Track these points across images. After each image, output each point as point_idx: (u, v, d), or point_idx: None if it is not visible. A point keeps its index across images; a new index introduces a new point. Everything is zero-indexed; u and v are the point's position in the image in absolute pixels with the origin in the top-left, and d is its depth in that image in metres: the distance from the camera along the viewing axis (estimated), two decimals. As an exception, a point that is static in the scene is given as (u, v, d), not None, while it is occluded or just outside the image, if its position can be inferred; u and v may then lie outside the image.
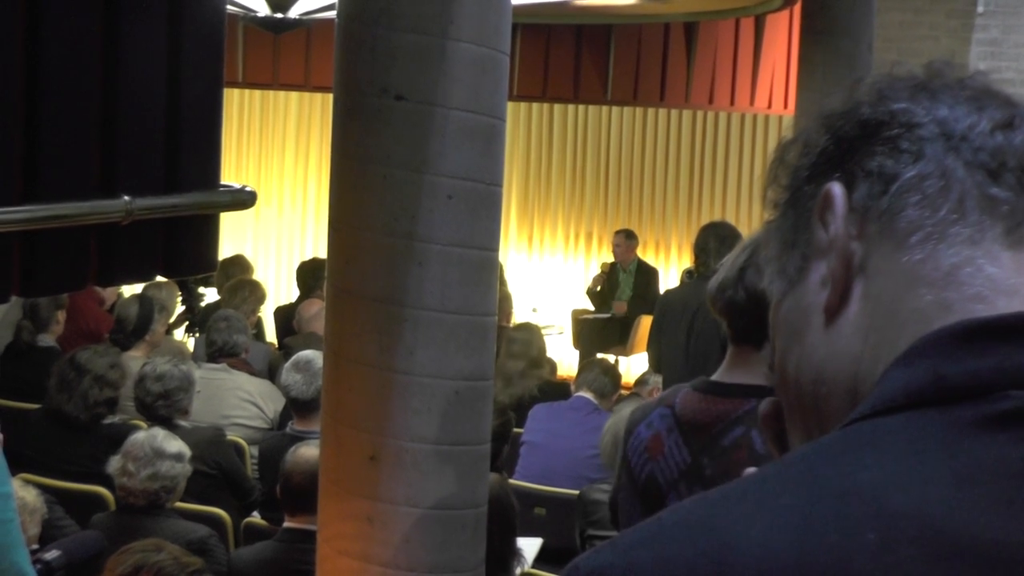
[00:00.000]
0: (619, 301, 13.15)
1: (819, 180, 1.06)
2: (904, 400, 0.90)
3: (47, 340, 8.62)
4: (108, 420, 6.70)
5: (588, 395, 7.61)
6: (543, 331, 9.52)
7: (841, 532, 0.82)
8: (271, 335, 11.10)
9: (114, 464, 5.59)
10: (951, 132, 1.02)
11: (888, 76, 1.09)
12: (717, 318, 3.34)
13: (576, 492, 6.65)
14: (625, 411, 6.38)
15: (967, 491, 0.83)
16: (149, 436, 5.70)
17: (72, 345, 8.27)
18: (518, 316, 12.02)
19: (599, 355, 8.45)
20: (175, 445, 5.67)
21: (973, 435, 0.86)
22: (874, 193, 1.02)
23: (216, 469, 6.54)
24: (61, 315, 8.72)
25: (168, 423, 6.45)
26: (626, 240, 13.30)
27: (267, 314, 11.47)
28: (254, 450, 7.18)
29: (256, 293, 9.82)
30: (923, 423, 0.88)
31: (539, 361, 8.81)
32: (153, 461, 5.52)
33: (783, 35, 11.98)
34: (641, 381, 9.29)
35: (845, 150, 1.05)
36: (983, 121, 1.02)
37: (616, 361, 12.74)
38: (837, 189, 1.03)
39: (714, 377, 3.26)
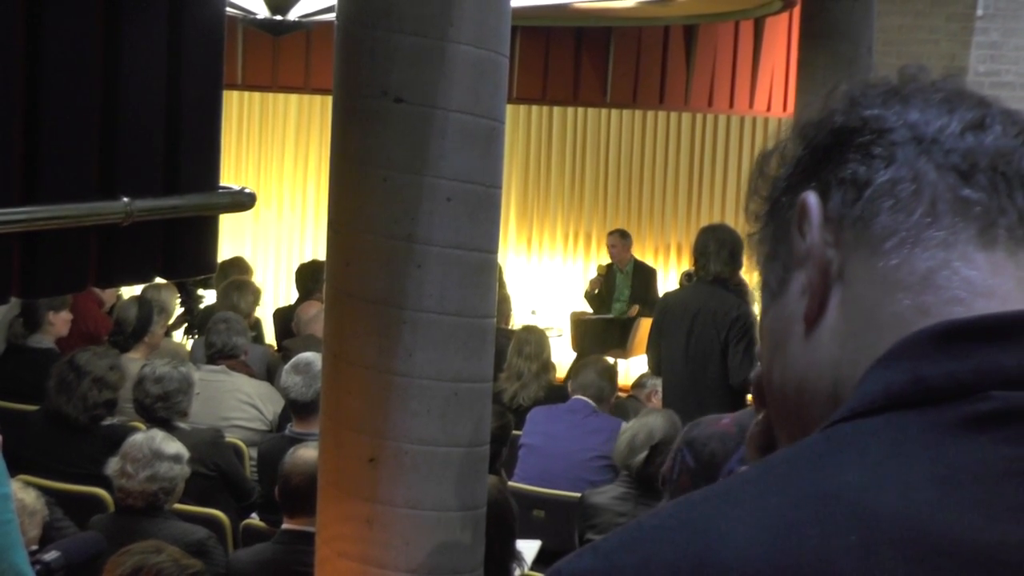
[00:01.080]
0: (620, 304, 13.14)
1: (796, 190, 1.07)
2: (884, 402, 0.90)
3: (45, 342, 8.61)
4: (107, 421, 6.70)
5: (585, 398, 7.60)
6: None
7: (823, 534, 0.82)
8: (270, 337, 11.10)
9: (113, 466, 5.60)
10: (922, 135, 1.02)
11: (861, 83, 1.10)
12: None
13: (574, 495, 6.66)
14: (650, 421, 6.39)
15: (948, 493, 0.83)
16: (147, 438, 5.70)
17: (71, 347, 8.27)
18: (517, 318, 12.02)
19: (593, 359, 8.42)
20: (173, 446, 5.67)
21: (954, 436, 0.86)
22: (848, 200, 1.02)
23: (215, 471, 6.54)
24: (53, 316, 8.69)
25: (167, 425, 6.46)
26: (621, 240, 13.27)
27: (266, 316, 11.47)
28: (253, 452, 7.19)
29: (250, 290, 9.81)
30: (903, 424, 0.88)
31: (548, 364, 8.84)
32: (152, 462, 5.52)
33: (782, 38, 11.98)
34: (639, 384, 9.29)
35: (819, 159, 1.06)
36: (954, 123, 1.02)
37: (615, 363, 12.75)
38: (812, 199, 1.04)
39: None
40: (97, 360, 6.74)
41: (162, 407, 6.60)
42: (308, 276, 10.48)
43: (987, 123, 1.03)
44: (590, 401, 7.55)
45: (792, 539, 0.82)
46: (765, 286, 1.11)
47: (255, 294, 9.84)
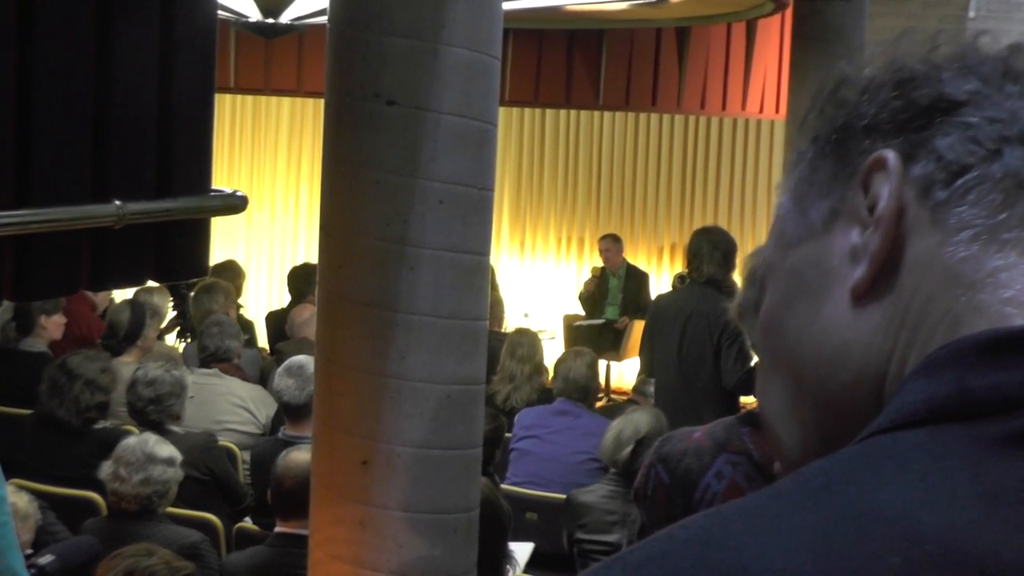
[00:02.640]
0: (612, 308, 13.17)
1: (875, 137, 1.00)
2: (927, 414, 0.86)
3: (38, 345, 8.60)
4: (100, 425, 6.69)
5: (571, 402, 7.59)
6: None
7: (864, 554, 0.78)
8: (263, 340, 11.10)
9: (106, 469, 5.58)
10: None
11: (974, 48, 1.04)
12: (746, 334, 3.26)
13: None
14: (635, 417, 6.40)
15: (993, 512, 0.79)
16: (140, 441, 5.69)
17: (64, 350, 8.26)
18: (510, 321, 12.02)
19: (573, 350, 8.38)
20: (166, 450, 5.66)
21: (999, 453, 0.82)
22: (936, 180, 0.96)
23: (208, 475, 6.53)
24: (49, 320, 8.69)
25: (160, 428, 6.45)
26: (614, 244, 13.28)
27: (259, 319, 11.47)
28: (246, 455, 7.18)
29: (219, 290, 9.76)
30: (947, 439, 0.84)
31: (541, 367, 8.84)
32: (145, 466, 5.51)
33: (775, 40, 11.99)
34: (641, 391, 9.28)
35: (913, 116, 0.99)
36: None
37: (608, 365, 12.74)
38: (894, 161, 0.97)
39: None
40: (88, 363, 6.73)
41: (154, 410, 6.60)
42: (300, 279, 10.48)
43: None
44: (576, 404, 7.55)
45: (831, 559, 0.79)
46: (802, 215, 1.05)
47: (225, 292, 9.77)
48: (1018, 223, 0.94)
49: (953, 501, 0.80)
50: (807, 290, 1.02)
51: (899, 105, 1.00)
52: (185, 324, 10.39)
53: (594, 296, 13.32)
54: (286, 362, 6.88)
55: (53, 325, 8.76)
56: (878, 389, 0.95)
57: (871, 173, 0.98)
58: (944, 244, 0.94)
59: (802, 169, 1.07)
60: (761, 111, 12.32)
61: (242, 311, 10.68)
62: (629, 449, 6.22)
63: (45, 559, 4.95)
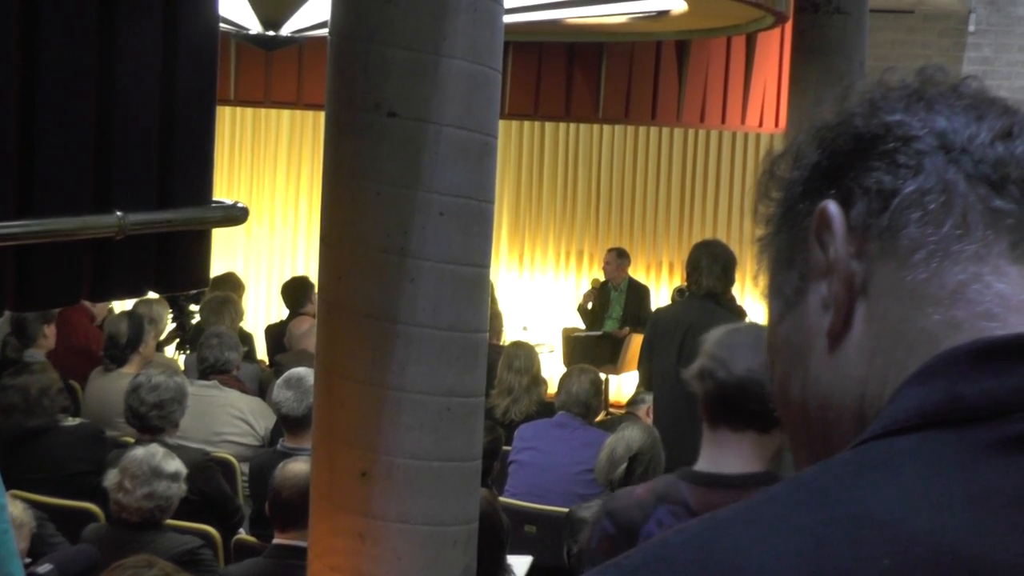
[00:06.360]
0: (612, 321, 13.15)
1: (814, 197, 1.03)
2: (919, 420, 0.87)
3: (36, 355, 8.60)
4: (68, 423, 6.79)
5: (571, 415, 7.59)
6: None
7: (855, 557, 0.79)
8: (262, 353, 11.10)
9: (111, 478, 5.57)
10: (951, 144, 0.99)
11: (880, 85, 1.06)
12: (698, 396, 3.38)
13: (566, 510, 6.66)
14: (627, 434, 6.40)
15: (984, 516, 0.81)
16: (148, 454, 5.67)
17: (63, 361, 8.27)
18: (509, 334, 12.01)
19: (578, 367, 8.38)
20: (173, 464, 5.64)
21: (990, 458, 0.84)
22: (873, 211, 0.98)
23: (198, 495, 6.44)
24: (49, 329, 8.70)
25: (160, 434, 6.49)
26: (617, 259, 13.25)
27: (258, 332, 11.46)
28: (245, 467, 7.17)
29: (232, 304, 9.79)
30: (938, 444, 0.85)
31: (538, 379, 8.84)
32: (150, 480, 5.49)
33: (775, 53, 11.99)
34: (635, 401, 9.27)
35: (839, 165, 1.02)
36: (983, 132, 1.00)
37: (606, 379, 12.74)
38: (833, 208, 1.00)
39: (703, 468, 3.29)
40: (31, 375, 6.84)
41: (157, 415, 6.61)
42: (295, 291, 10.50)
43: (1015, 132, 1.00)
44: (576, 417, 7.55)
45: (824, 561, 0.80)
46: (777, 293, 1.08)
47: (235, 306, 9.83)
48: (962, 231, 0.96)
49: (944, 504, 0.81)
50: (797, 354, 1.05)
51: (825, 160, 1.04)
52: (184, 336, 10.39)
53: (594, 309, 13.30)
54: (285, 374, 6.87)
55: (52, 334, 8.79)
56: (859, 415, 0.97)
57: (820, 228, 1.02)
58: (902, 268, 0.97)
59: (768, 254, 1.11)
60: (761, 124, 12.31)
61: (241, 323, 10.68)
62: (623, 467, 6.22)
63: (44, 568, 4.95)
